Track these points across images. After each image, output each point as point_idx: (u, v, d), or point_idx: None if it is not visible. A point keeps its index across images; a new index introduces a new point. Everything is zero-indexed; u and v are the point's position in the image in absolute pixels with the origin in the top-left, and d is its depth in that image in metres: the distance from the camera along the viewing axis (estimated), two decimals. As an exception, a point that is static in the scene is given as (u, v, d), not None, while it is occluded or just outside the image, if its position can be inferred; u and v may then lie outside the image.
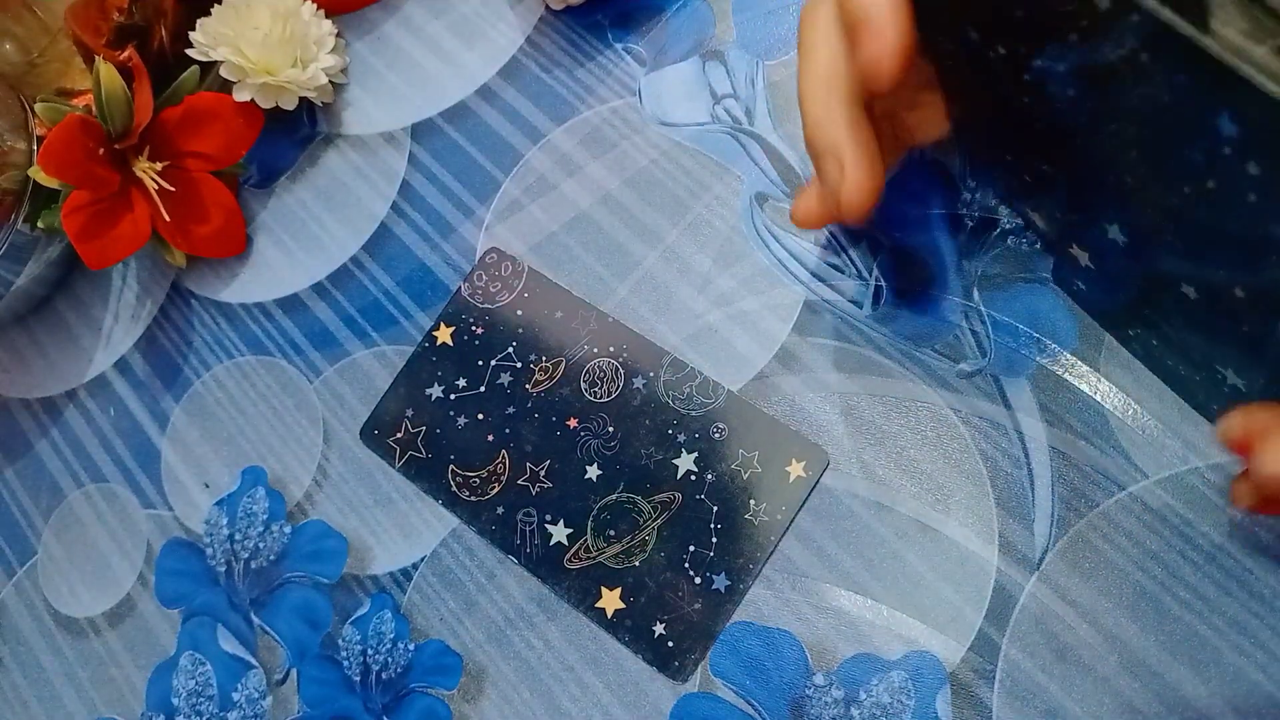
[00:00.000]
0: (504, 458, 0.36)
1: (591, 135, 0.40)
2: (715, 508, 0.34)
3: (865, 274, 0.35)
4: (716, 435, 0.34)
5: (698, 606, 0.33)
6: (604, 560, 0.34)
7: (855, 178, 0.28)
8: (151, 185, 0.40)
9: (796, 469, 0.33)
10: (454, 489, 0.36)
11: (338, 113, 0.44)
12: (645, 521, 0.34)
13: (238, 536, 0.38)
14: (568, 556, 0.34)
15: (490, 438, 0.36)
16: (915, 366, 0.33)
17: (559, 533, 0.35)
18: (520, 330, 0.38)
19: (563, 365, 0.37)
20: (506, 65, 0.42)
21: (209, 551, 0.39)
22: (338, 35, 0.44)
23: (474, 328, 0.38)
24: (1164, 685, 0.28)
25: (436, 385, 0.38)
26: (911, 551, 0.32)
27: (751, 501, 0.33)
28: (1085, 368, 0.32)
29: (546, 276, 0.38)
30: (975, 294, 0.34)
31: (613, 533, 0.34)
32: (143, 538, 0.40)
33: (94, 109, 0.38)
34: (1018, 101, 0.25)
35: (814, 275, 0.35)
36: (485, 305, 0.38)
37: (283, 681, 0.36)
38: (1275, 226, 0.20)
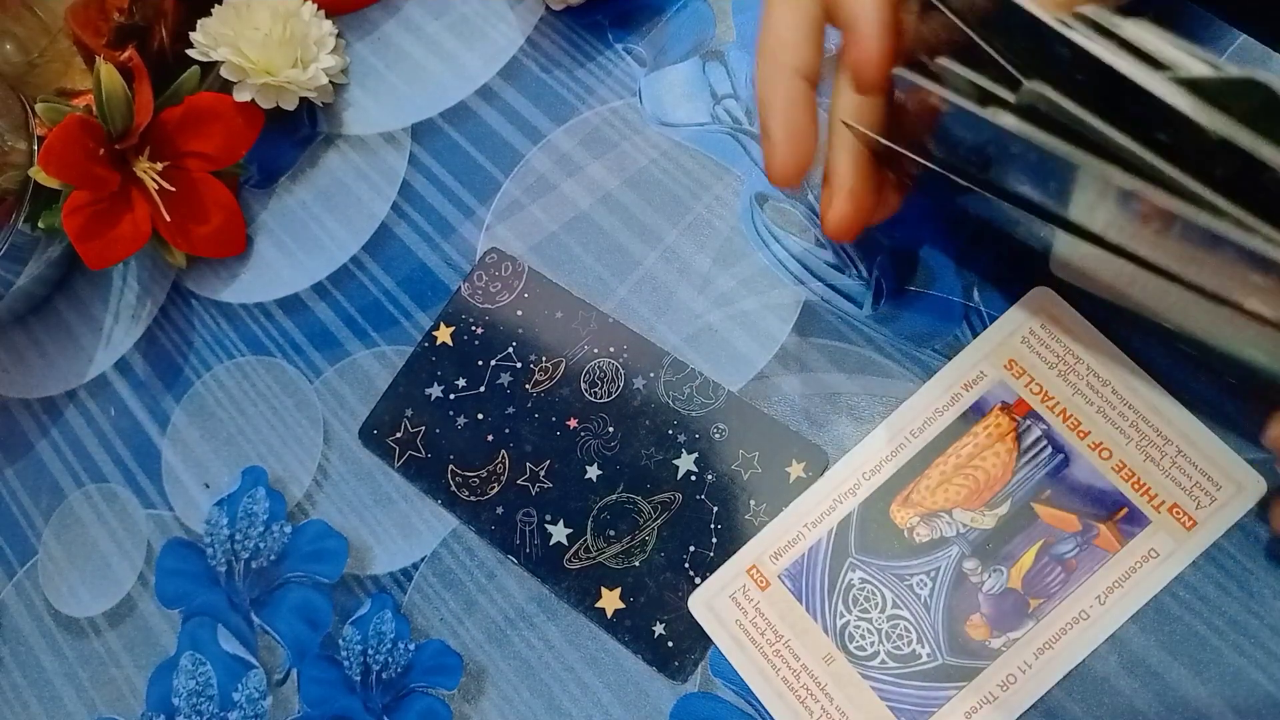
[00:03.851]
0: (504, 458, 0.36)
1: (591, 135, 0.40)
2: (715, 508, 0.34)
3: (865, 274, 0.35)
4: (716, 436, 0.34)
5: (698, 606, 0.33)
6: (604, 560, 0.34)
7: (779, 160, 0.29)
8: (152, 185, 0.40)
9: (796, 469, 0.33)
10: (453, 489, 0.36)
11: (338, 113, 0.44)
12: (645, 522, 0.34)
13: (238, 536, 0.38)
14: (567, 556, 0.34)
15: (490, 438, 0.36)
16: (915, 366, 0.33)
17: (559, 533, 0.35)
18: (520, 330, 0.38)
19: (563, 365, 0.37)
20: (506, 65, 0.42)
21: (209, 551, 0.39)
22: (338, 35, 0.44)
23: (474, 328, 0.38)
24: (1164, 685, 0.28)
25: (436, 385, 0.38)
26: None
27: (751, 501, 0.33)
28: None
29: (546, 276, 0.38)
30: (975, 294, 0.34)
31: (613, 533, 0.34)
32: (143, 538, 0.40)
33: (94, 109, 0.38)
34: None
35: (814, 275, 0.35)
36: (485, 305, 0.38)
37: (283, 681, 0.36)
38: None
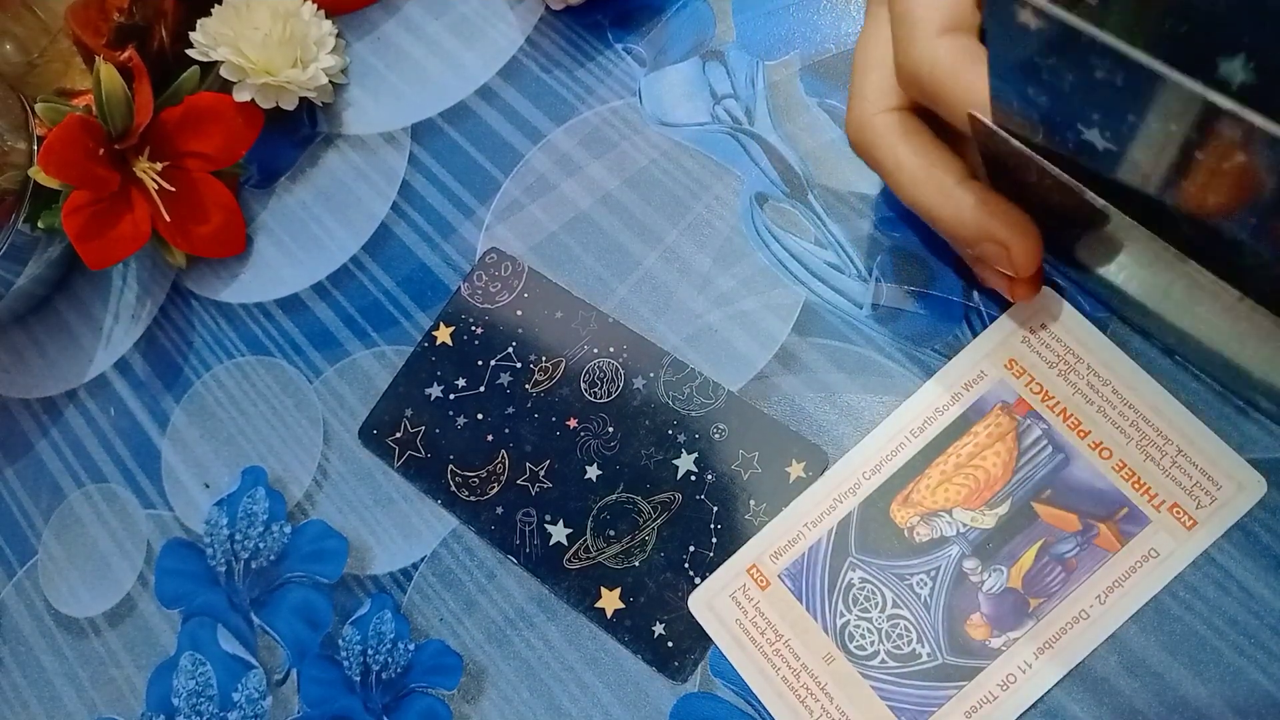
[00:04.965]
0: (503, 458, 0.36)
1: (591, 135, 0.40)
2: (715, 508, 0.34)
3: (865, 274, 0.35)
4: (716, 435, 0.34)
5: (698, 606, 0.33)
6: (604, 560, 0.34)
7: (1020, 250, 0.28)
8: (151, 185, 0.40)
9: (796, 469, 0.33)
10: (453, 489, 0.36)
11: (338, 113, 0.44)
12: (645, 521, 0.34)
13: (238, 536, 0.38)
14: (567, 556, 0.34)
15: (490, 438, 0.36)
16: (915, 366, 0.33)
17: (559, 533, 0.35)
18: (520, 330, 0.38)
19: (563, 365, 0.37)
20: (506, 65, 0.42)
21: (209, 551, 0.39)
22: (338, 35, 0.44)
23: (474, 328, 0.38)
24: (1164, 685, 0.28)
25: (436, 385, 0.38)
26: (911, 551, 0.32)
27: (751, 501, 0.33)
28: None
29: (546, 276, 0.38)
30: (975, 294, 0.34)
31: (612, 533, 0.34)
32: (143, 538, 0.40)
33: (94, 109, 0.38)
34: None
35: (814, 275, 0.35)
36: (485, 305, 0.38)
37: (283, 681, 0.36)
38: None
